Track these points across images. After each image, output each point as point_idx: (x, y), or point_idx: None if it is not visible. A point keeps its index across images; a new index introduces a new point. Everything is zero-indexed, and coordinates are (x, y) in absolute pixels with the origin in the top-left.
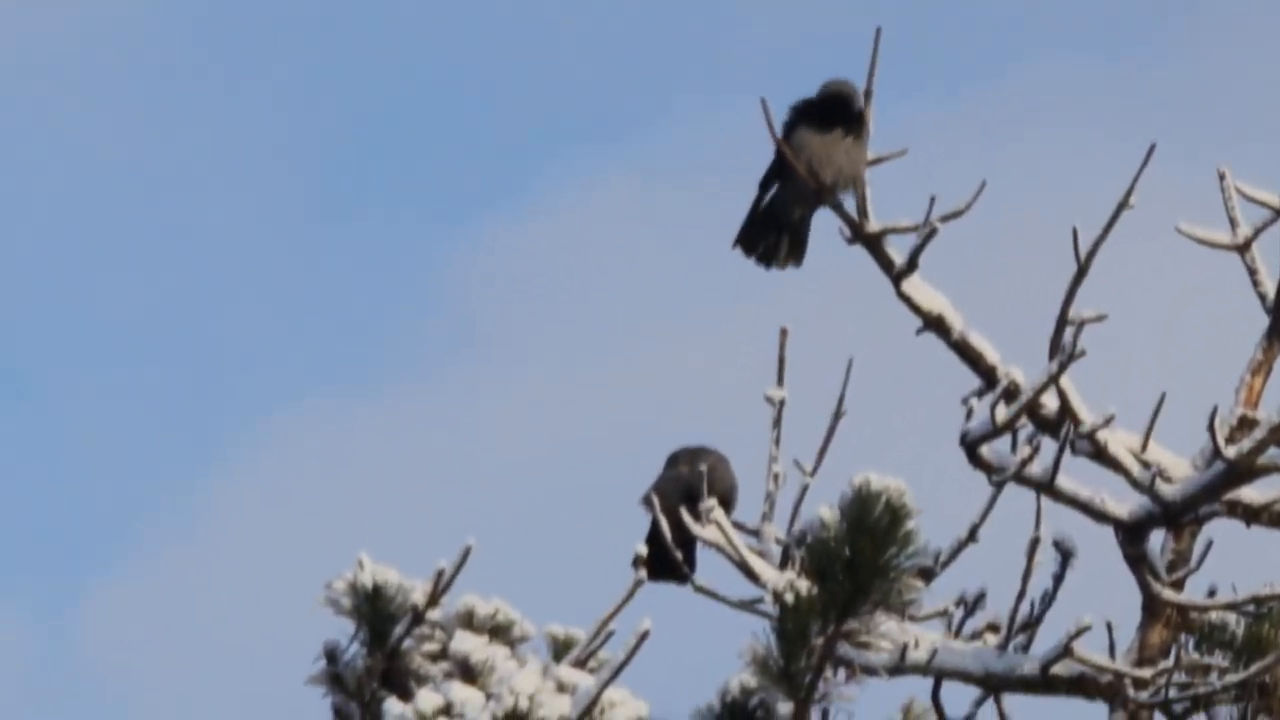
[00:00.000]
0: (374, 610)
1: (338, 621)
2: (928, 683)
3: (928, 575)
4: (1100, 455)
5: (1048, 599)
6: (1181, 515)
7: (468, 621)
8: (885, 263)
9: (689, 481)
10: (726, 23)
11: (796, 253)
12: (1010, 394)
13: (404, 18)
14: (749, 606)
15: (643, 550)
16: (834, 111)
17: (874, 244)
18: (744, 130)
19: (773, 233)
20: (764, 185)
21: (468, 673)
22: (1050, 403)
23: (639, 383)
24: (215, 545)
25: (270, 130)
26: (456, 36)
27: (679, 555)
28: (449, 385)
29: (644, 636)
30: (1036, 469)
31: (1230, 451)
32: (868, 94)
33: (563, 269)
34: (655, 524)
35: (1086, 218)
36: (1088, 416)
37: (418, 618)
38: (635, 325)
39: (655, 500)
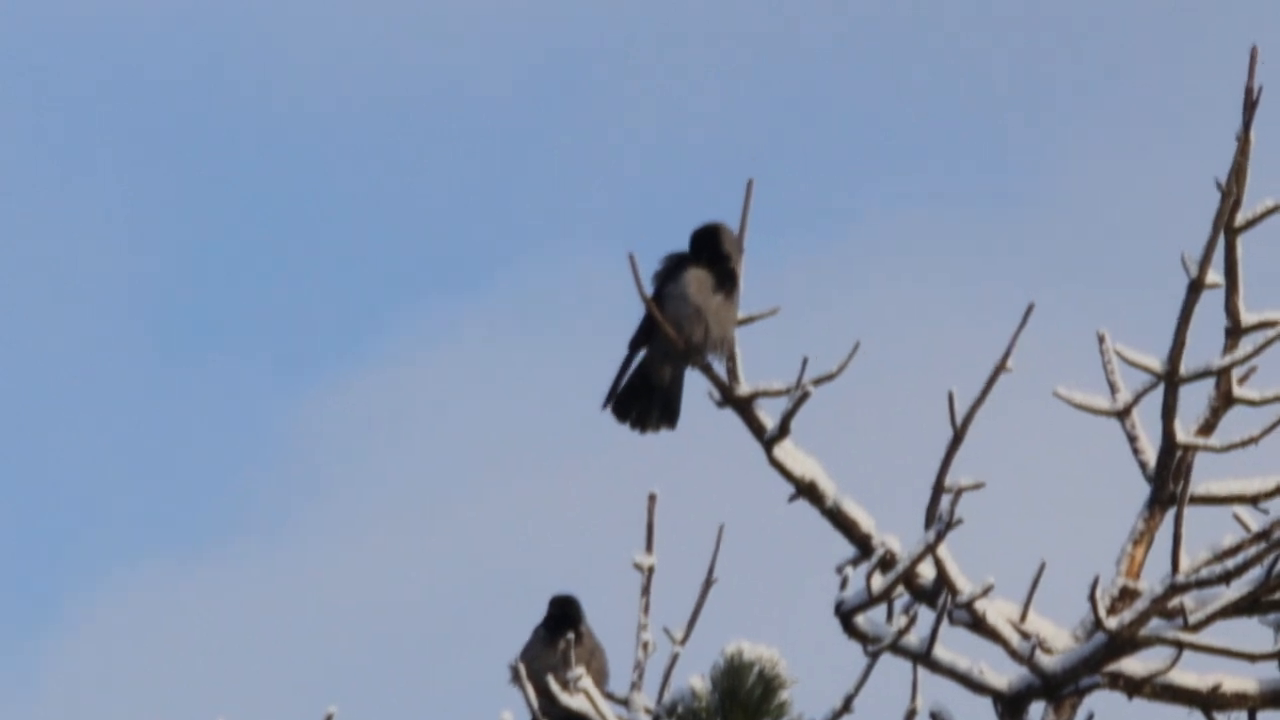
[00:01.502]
0: None
1: None
2: None
3: None
4: (978, 625)
5: None
6: (1062, 687)
7: None
8: (756, 427)
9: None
10: (573, 172)
11: (668, 416)
12: (886, 563)
13: (256, 161)
14: None
15: (509, 717)
16: (705, 259)
17: (744, 408)
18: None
19: (643, 396)
20: (634, 345)
21: None
22: (927, 572)
23: (498, 539)
24: (51, 712)
25: (116, 268)
26: (307, 181)
27: None
28: (295, 540)
29: None
30: (913, 639)
31: (1112, 622)
32: (740, 250)
33: (412, 419)
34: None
35: (963, 379)
36: (965, 586)
37: None
38: (492, 479)
39: (522, 669)
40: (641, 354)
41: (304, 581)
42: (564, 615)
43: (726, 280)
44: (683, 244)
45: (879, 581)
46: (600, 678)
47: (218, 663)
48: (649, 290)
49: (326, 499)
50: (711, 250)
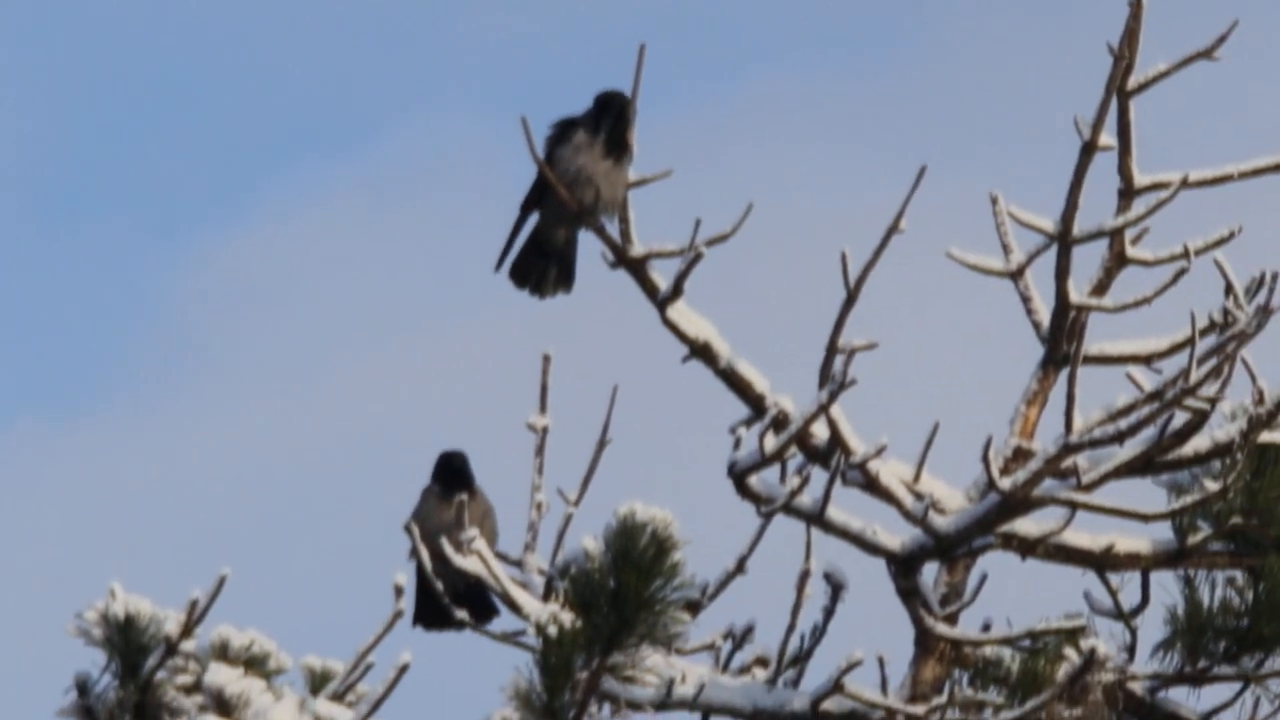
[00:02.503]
0: (126, 641)
1: (89, 652)
2: (695, 718)
3: (695, 608)
4: (872, 486)
5: (818, 633)
6: (955, 548)
7: (222, 653)
8: (649, 288)
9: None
10: (455, 31)
11: (565, 279)
12: (779, 423)
13: (130, 17)
14: (511, 639)
15: (402, 580)
16: (607, 127)
17: (638, 269)
18: (475, 140)
19: (540, 260)
20: (525, 207)
21: (222, 706)
22: (820, 432)
23: (382, 404)
24: None
25: None
26: (180, 40)
27: (460, 614)
28: (171, 405)
29: (403, 669)
30: (806, 500)
31: (1005, 483)
32: (631, 114)
33: (289, 284)
34: (422, 574)
35: (856, 239)
36: (859, 446)
37: (171, 649)
38: (372, 344)
39: (415, 530)
40: (534, 218)
41: (182, 447)
42: (455, 471)
43: (618, 144)
44: (561, 108)
45: (772, 442)
46: (491, 538)
47: (93, 528)
48: (541, 154)
49: (203, 364)
50: (614, 118)
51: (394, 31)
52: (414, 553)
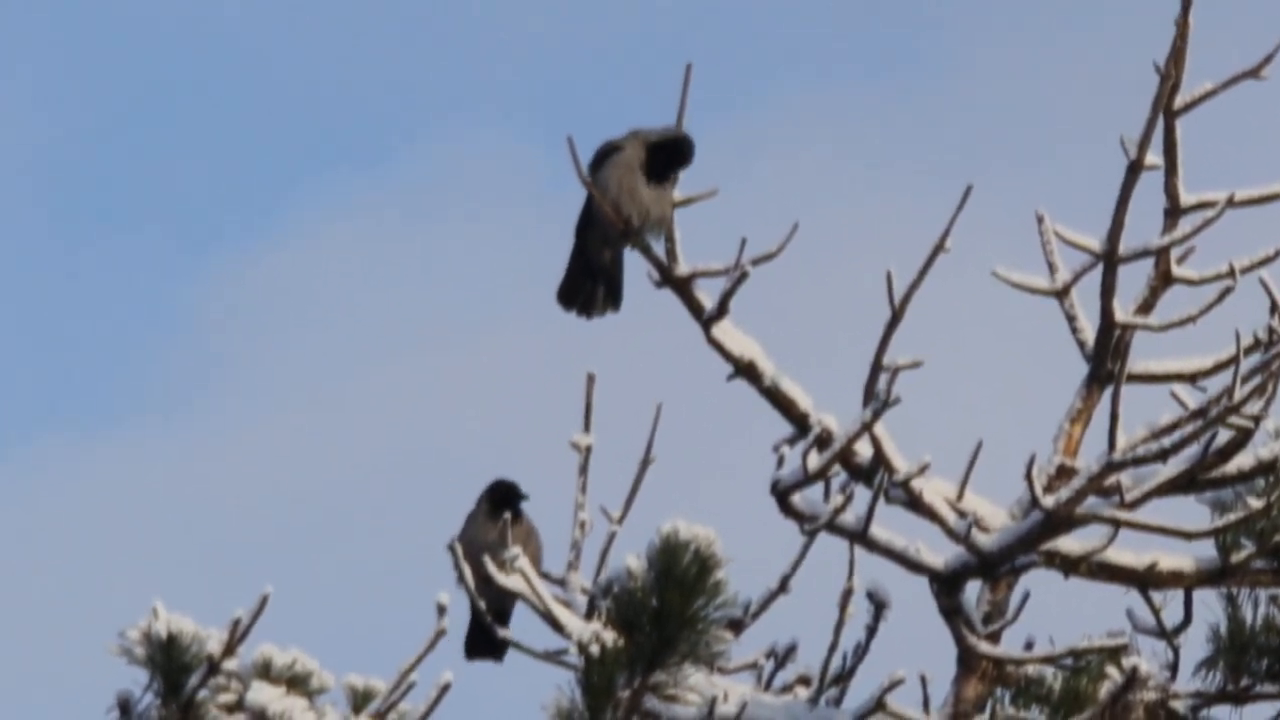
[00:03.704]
0: (168, 660)
1: (130, 671)
2: None
3: (737, 627)
4: (915, 504)
5: (860, 651)
6: (998, 566)
7: (265, 672)
8: (695, 307)
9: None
10: (480, 46)
11: (613, 298)
12: (823, 441)
13: (159, 29)
14: (554, 658)
15: (445, 599)
16: (663, 164)
17: (683, 288)
18: (507, 152)
19: (586, 281)
20: (580, 232)
21: None
22: (864, 450)
23: (412, 420)
24: None
25: (13, 143)
26: (209, 53)
27: (503, 633)
28: (199, 419)
29: (445, 689)
30: (849, 518)
31: (1048, 501)
32: (684, 133)
33: (319, 297)
34: (475, 609)
35: (901, 256)
36: (902, 465)
37: (213, 668)
38: (403, 359)
39: (459, 549)
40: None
41: (210, 462)
42: (503, 495)
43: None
44: (591, 121)
45: (815, 460)
46: (536, 561)
47: (120, 543)
48: (586, 175)
49: (231, 378)
50: (672, 163)
51: (422, 45)
52: (461, 578)
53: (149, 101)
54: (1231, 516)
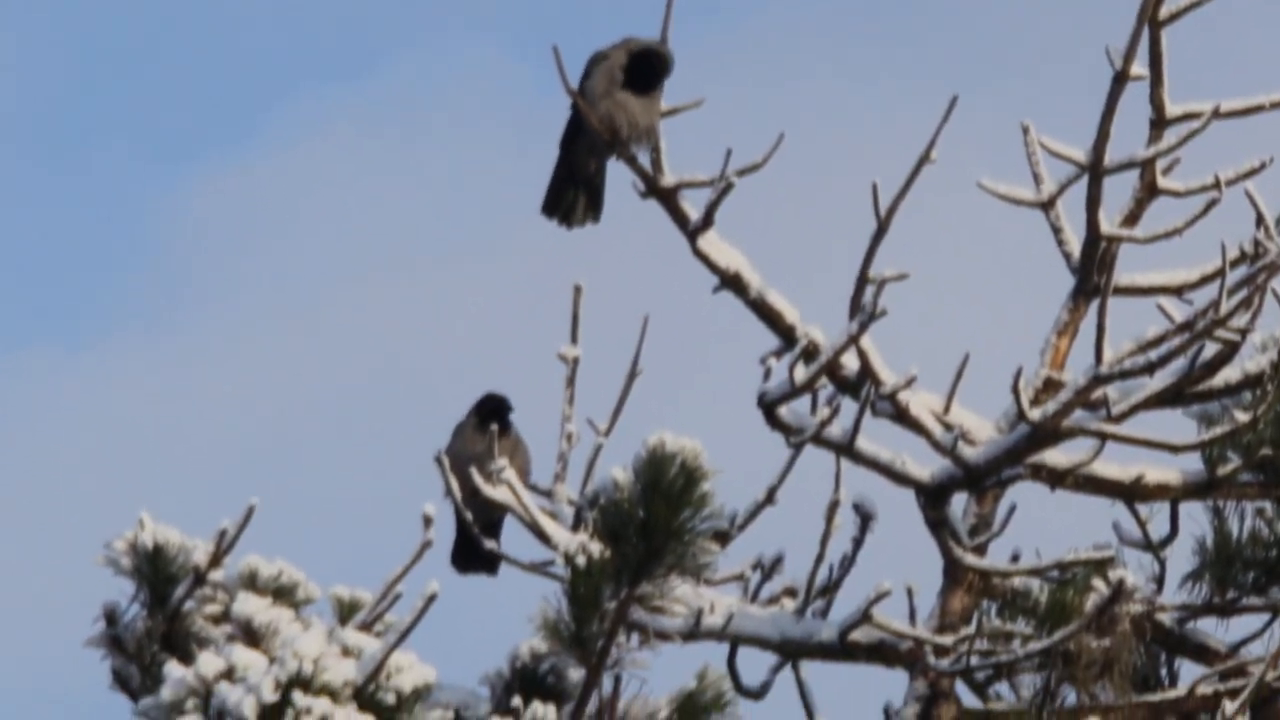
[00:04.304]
0: (155, 571)
1: (117, 582)
2: (723, 649)
3: (724, 538)
4: (901, 417)
5: (847, 563)
6: (984, 478)
7: (250, 583)
8: (680, 218)
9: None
10: None
11: (593, 208)
12: (809, 354)
13: None
14: (540, 569)
15: (431, 510)
16: (641, 76)
17: (669, 199)
18: (484, 65)
19: (569, 190)
20: (565, 144)
21: (251, 636)
22: (850, 363)
23: (404, 332)
24: None
25: None
26: None
27: (489, 545)
28: (181, 333)
29: (431, 599)
30: (836, 430)
31: (1035, 414)
32: (665, 46)
33: (298, 209)
34: (462, 520)
35: (887, 169)
36: (889, 377)
37: (199, 579)
38: (386, 273)
39: (446, 461)
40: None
41: (194, 375)
42: (492, 409)
43: (649, 85)
44: (573, 35)
45: (802, 372)
46: (523, 474)
47: (108, 454)
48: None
49: (214, 291)
50: (649, 75)
51: None
52: (448, 490)
53: (121, 17)
54: (1218, 430)
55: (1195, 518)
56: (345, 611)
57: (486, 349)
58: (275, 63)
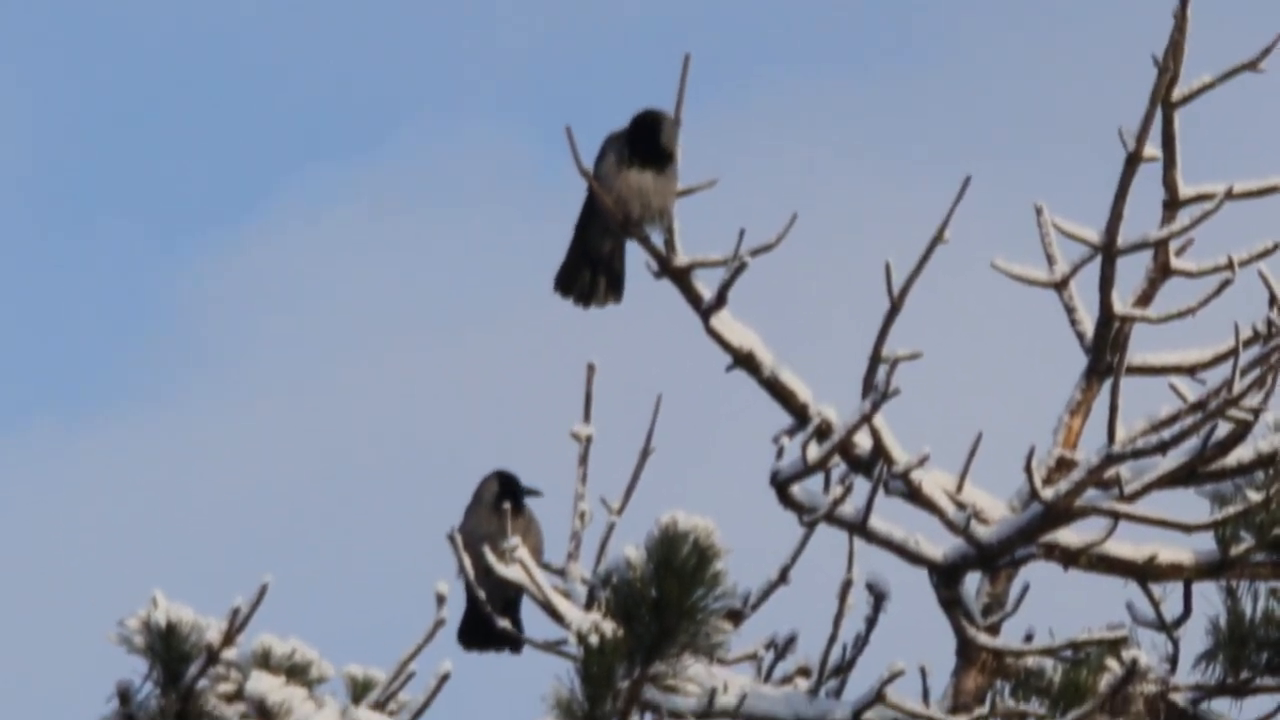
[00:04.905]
0: (168, 649)
1: (130, 660)
2: None
3: (737, 617)
4: (914, 496)
5: (860, 643)
6: (997, 558)
7: (264, 661)
8: (693, 298)
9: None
10: (467, 34)
11: (615, 289)
12: (822, 432)
13: (142, 17)
14: (553, 648)
15: (444, 588)
16: (642, 144)
17: (682, 278)
18: (491, 142)
19: (587, 269)
20: (580, 226)
21: (264, 714)
22: (863, 442)
23: (411, 407)
24: None
25: None
26: (193, 41)
27: (502, 623)
28: (184, 408)
29: (444, 678)
30: (849, 509)
31: (1047, 493)
32: (676, 124)
33: (307, 284)
34: (473, 599)
35: (900, 247)
36: (902, 456)
37: (212, 657)
38: (390, 350)
39: (458, 539)
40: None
41: (199, 450)
42: (503, 486)
43: (656, 158)
44: (575, 113)
45: (815, 451)
46: (535, 554)
47: (111, 530)
48: (588, 167)
49: (221, 366)
50: (650, 129)
51: (405, 34)
52: (461, 568)
53: (134, 91)
54: (1231, 509)
55: (1209, 598)
56: (359, 690)
57: (500, 427)
58: (282, 137)
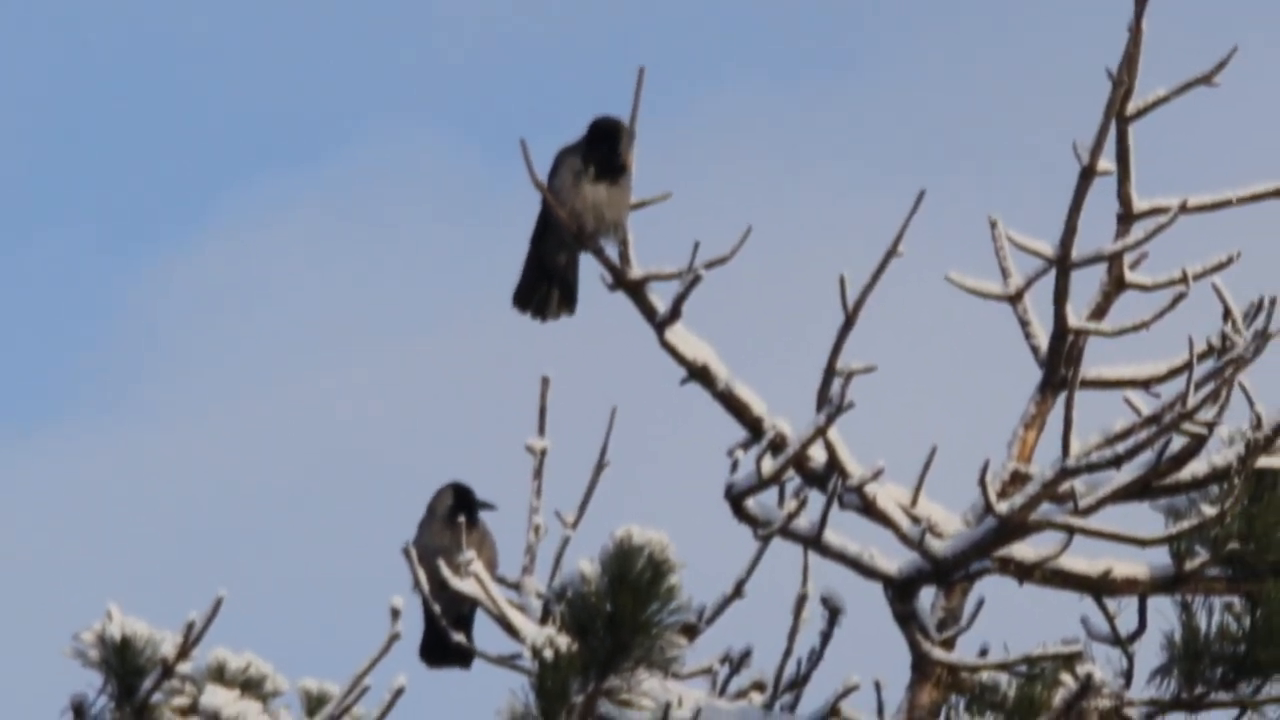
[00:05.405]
0: (123, 663)
1: (84, 674)
2: None
3: (691, 631)
4: (869, 510)
5: (815, 657)
6: (952, 572)
7: (219, 675)
8: (648, 311)
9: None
10: (415, 43)
11: (568, 301)
12: (777, 446)
13: (91, 25)
14: (508, 662)
15: (399, 602)
16: (598, 150)
17: (636, 291)
18: (439, 151)
19: (543, 283)
20: (535, 239)
21: None
22: (818, 455)
23: (367, 418)
24: None
25: None
26: (142, 50)
27: (457, 638)
28: (139, 415)
29: (399, 692)
30: (804, 523)
31: (1002, 507)
32: (631, 136)
33: (255, 293)
34: (430, 614)
35: (855, 260)
36: (856, 470)
37: (167, 671)
38: (338, 359)
39: (413, 553)
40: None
41: (148, 459)
42: (459, 502)
43: (612, 169)
44: (522, 122)
45: (769, 465)
46: (491, 566)
47: (62, 540)
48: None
49: (165, 374)
50: (606, 146)
51: (353, 44)
52: (416, 583)
53: (82, 99)
54: (1185, 524)
55: (1163, 612)
56: (313, 704)
57: (451, 438)
58: (233, 145)
